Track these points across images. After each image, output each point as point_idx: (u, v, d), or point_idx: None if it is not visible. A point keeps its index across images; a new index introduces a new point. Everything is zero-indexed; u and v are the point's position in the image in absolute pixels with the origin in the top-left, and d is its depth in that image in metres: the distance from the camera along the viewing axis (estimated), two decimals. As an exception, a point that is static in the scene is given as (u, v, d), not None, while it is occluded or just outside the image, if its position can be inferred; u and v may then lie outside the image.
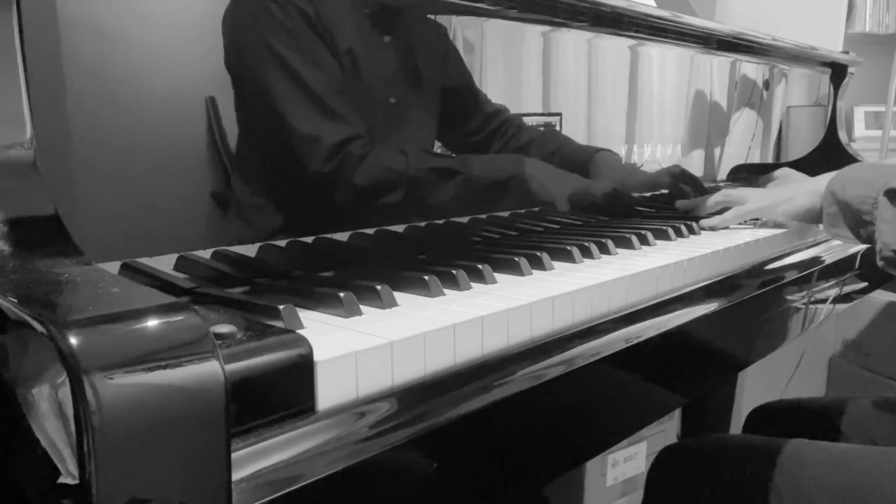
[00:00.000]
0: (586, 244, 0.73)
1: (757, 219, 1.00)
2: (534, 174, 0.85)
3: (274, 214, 0.63)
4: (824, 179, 0.84)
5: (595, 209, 0.96)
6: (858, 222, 0.76)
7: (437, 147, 0.76)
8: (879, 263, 0.73)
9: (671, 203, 1.10)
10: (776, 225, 0.97)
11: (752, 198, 0.96)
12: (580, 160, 0.95)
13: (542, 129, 0.88)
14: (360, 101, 0.67)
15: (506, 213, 0.85)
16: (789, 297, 0.87)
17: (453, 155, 0.77)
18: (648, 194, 1.09)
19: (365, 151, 0.66)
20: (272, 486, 0.36)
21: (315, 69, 0.62)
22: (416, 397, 0.44)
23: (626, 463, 1.50)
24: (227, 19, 0.56)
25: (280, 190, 0.63)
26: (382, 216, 0.70)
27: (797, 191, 0.91)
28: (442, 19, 0.75)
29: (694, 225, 0.93)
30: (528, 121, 0.87)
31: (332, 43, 0.63)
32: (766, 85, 1.34)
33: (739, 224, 0.99)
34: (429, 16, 0.73)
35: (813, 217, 0.88)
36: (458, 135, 0.78)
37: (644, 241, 0.82)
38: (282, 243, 0.63)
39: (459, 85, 0.77)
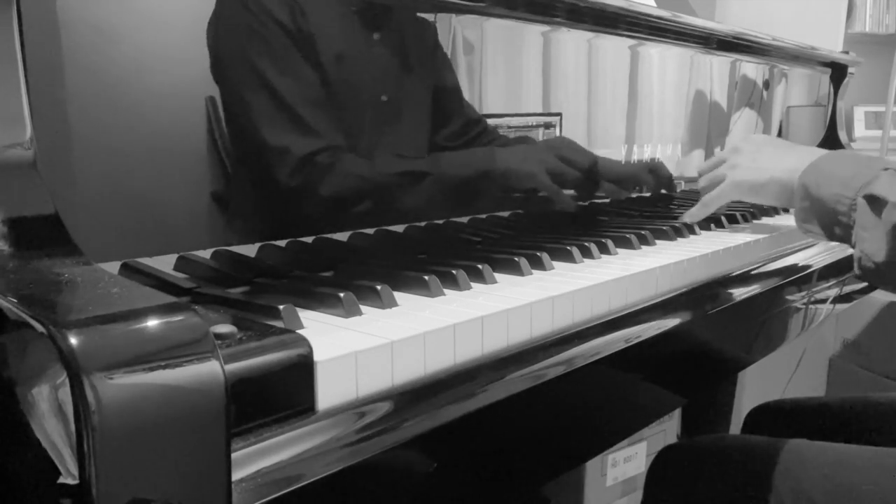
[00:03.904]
0: (586, 244, 0.73)
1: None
2: (506, 161, 0.82)
3: (273, 215, 0.63)
4: (801, 161, 0.79)
5: (579, 183, 0.93)
6: (832, 221, 0.72)
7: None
8: (857, 273, 0.70)
9: (671, 203, 1.10)
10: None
11: (729, 174, 0.90)
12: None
13: (518, 139, 0.85)
14: (348, 104, 0.67)
15: (506, 213, 0.85)
16: (789, 297, 0.87)
17: (422, 157, 0.75)
18: (648, 194, 1.09)
19: (332, 160, 0.65)
20: (272, 486, 0.36)
21: (289, 80, 0.61)
22: (415, 397, 0.44)
23: (626, 463, 1.50)
24: (210, 31, 0.56)
25: (274, 192, 0.63)
26: (360, 221, 0.69)
27: (773, 171, 0.85)
28: (441, 18, 0.75)
29: (695, 225, 0.93)
30: (528, 121, 0.87)
31: (314, 50, 0.63)
32: (766, 85, 1.34)
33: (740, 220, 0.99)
34: (419, 14, 0.73)
35: (785, 202, 0.84)
36: (438, 138, 0.76)
37: (644, 241, 0.82)
38: (282, 243, 0.63)
39: (444, 86, 0.76)
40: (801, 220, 0.78)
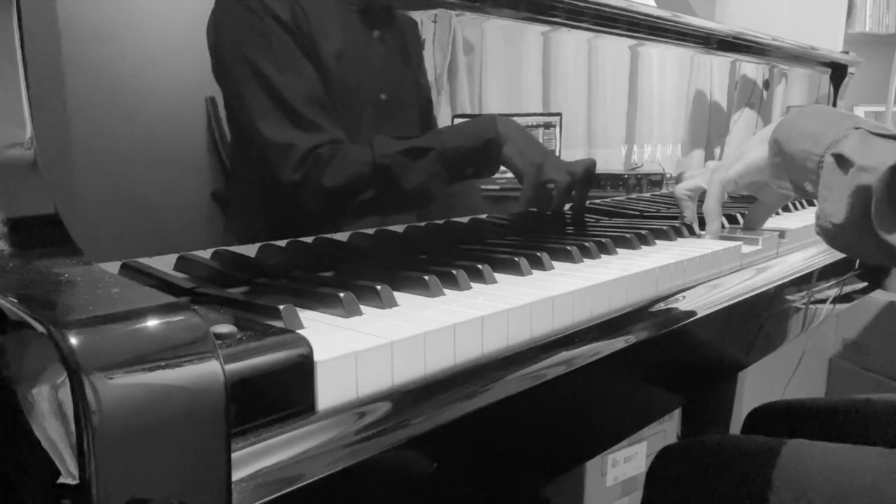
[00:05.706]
0: (586, 244, 0.73)
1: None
2: (508, 133, 0.81)
3: (272, 215, 0.63)
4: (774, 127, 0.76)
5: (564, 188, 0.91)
6: (803, 178, 0.70)
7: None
8: (815, 230, 0.69)
9: (672, 203, 1.10)
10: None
11: (706, 180, 0.88)
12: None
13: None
14: (347, 102, 0.67)
15: (506, 214, 0.85)
16: (789, 297, 0.87)
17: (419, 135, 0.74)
18: (649, 194, 1.09)
19: (332, 152, 0.65)
20: (272, 486, 0.36)
21: (290, 76, 0.62)
22: (416, 397, 0.44)
23: (626, 463, 1.50)
24: (210, 30, 0.56)
25: (274, 191, 0.63)
26: (367, 214, 0.69)
27: (747, 145, 0.82)
28: (441, 18, 0.75)
29: (694, 225, 0.92)
30: (528, 121, 0.87)
31: (315, 48, 0.63)
32: (766, 85, 1.34)
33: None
34: (418, 13, 0.73)
35: (765, 171, 0.79)
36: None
37: (644, 241, 0.82)
38: (282, 243, 0.63)
39: (420, 81, 0.76)
40: (773, 177, 0.76)
